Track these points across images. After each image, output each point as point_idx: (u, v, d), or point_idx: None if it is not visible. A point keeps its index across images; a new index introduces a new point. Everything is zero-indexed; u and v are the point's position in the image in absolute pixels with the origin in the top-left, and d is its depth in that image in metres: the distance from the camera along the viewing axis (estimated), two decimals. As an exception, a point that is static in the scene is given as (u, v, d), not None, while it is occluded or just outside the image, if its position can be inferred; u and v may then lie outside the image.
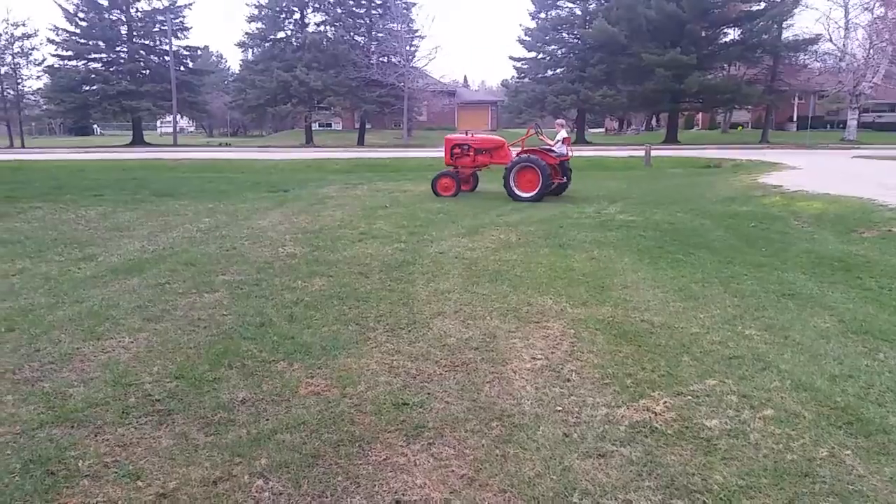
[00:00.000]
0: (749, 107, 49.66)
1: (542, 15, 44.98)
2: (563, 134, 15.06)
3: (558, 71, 45.12)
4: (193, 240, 9.40)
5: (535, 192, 13.88)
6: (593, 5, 44.02)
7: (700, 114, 60.21)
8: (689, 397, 3.97)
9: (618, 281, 6.83)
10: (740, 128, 58.21)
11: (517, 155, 14.52)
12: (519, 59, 47.45)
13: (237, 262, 7.81)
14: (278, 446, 3.38)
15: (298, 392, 4.05)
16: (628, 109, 49.03)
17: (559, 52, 45.55)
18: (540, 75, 45.92)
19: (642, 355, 4.67)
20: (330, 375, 4.32)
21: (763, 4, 40.48)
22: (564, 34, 45.01)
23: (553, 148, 14.50)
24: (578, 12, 44.19)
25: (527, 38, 45.47)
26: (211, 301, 6.11)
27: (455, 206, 13.02)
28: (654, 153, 24.42)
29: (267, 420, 3.68)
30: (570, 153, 15.07)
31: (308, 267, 7.56)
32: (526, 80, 47.48)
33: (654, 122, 67.65)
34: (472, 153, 15.31)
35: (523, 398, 3.96)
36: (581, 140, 44.90)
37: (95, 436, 3.50)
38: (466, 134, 16.01)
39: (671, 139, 43.01)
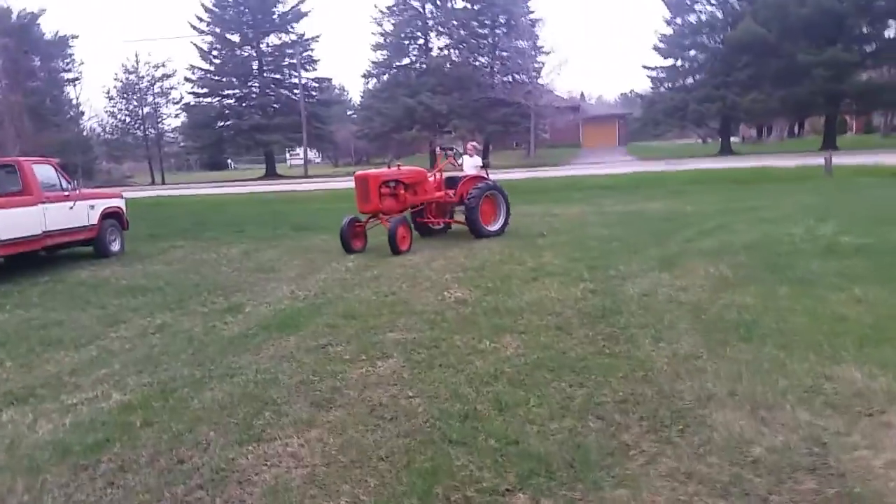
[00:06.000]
0: (918, 107, 44.12)
1: (679, 20, 42.05)
2: (476, 161, 12.79)
3: (699, 77, 41.91)
4: (345, 283, 8.23)
5: (501, 224, 11.71)
6: (735, 6, 40.58)
7: (854, 117, 54.58)
8: None
9: (936, 339, 4.87)
10: None
11: (456, 189, 11.69)
12: (654, 68, 44.53)
13: (402, 313, 6.49)
14: None
15: (572, 565, 2.52)
16: (779, 114, 44.82)
17: (700, 56, 42.31)
18: (679, 83, 42.86)
19: None
20: (604, 524, 2.76)
21: (938, -10, 35.75)
22: (705, 38, 41.81)
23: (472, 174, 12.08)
24: (720, 15, 40.90)
25: (661, 45, 42.64)
26: (387, 373, 4.77)
27: (622, 230, 11.28)
28: (818, 161, 21.55)
29: None
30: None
31: (488, 319, 6.12)
32: (662, 89, 44.54)
33: (796, 127, 62.20)
34: (401, 191, 11.31)
35: None
36: (726, 149, 41.35)
37: None
38: (389, 167, 11.69)
39: (829, 145, 38.62)
